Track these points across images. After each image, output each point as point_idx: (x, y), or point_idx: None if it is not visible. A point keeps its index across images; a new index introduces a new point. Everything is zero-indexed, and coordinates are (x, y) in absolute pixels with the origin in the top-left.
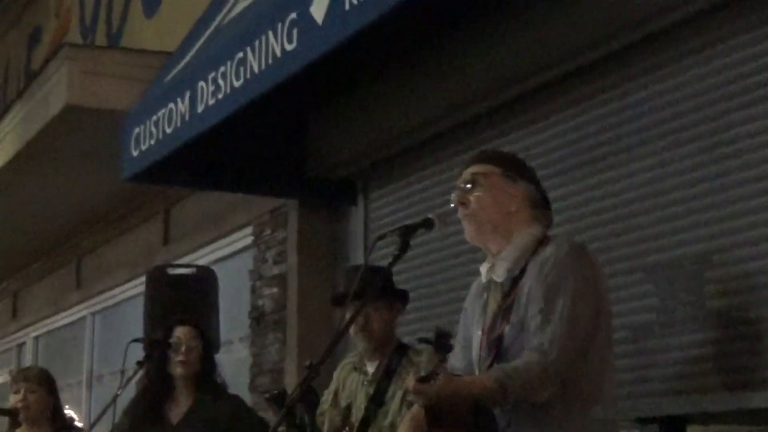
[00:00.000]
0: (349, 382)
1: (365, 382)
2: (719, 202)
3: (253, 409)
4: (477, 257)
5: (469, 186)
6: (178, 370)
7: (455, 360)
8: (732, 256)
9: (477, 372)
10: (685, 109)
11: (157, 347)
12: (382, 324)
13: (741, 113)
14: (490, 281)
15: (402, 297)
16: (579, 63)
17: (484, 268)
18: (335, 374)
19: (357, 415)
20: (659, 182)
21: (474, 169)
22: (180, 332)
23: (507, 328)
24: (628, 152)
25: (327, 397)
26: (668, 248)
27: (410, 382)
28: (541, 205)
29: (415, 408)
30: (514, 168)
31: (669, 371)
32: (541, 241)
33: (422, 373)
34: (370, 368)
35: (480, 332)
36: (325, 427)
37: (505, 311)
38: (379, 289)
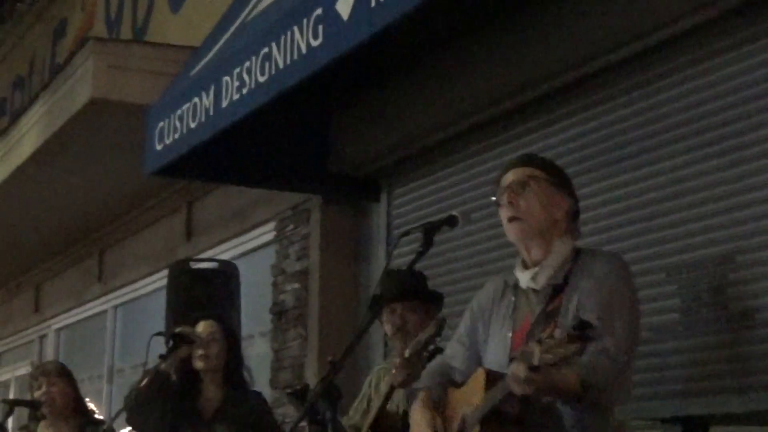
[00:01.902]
0: (384, 386)
1: None
2: (742, 203)
3: (271, 410)
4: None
5: (519, 187)
6: (199, 365)
7: (456, 360)
8: (755, 258)
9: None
10: (709, 110)
11: (178, 341)
12: (417, 325)
13: (764, 115)
14: (517, 285)
15: (437, 300)
16: (603, 64)
17: (525, 275)
18: (366, 381)
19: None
20: (682, 183)
21: (525, 171)
22: (201, 326)
23: (557, 332)
24: (651, 153)
25: (358, 405)
26: (691, 249)
27: (520, 370)
28: (575, 218)
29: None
30: (561, 178)
31: (691, 372)
32: (578, 252)
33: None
34: None
35: (510, 333)
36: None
37: (548, 315)
38: (415, 291)
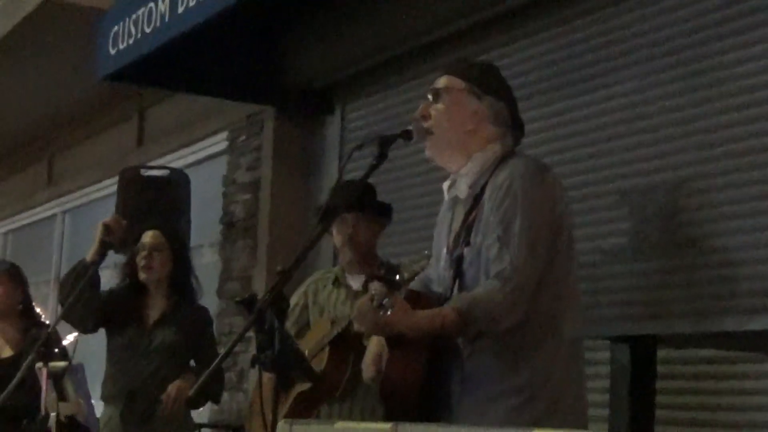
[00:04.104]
0: (325, 296)
1: (351, 297)
2: (696, 129)
3: (212, 328)
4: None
5: (433, 98)
6: (142, 276)
7: (432, 271)
8: (707, 184)
9: (441, 289)
10: (666, 35)
11: (108, 250)
12: (368, 236)
13: (722, 42)
14: (455, 198)
15: (386, 211)
16: None
17: (445, 185)
18: (300, 291)
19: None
20: (638, 107)
21: (441, 81)
22: (146, 237)
23: (466, 250)
24: (607, 76)
25: (289, 312)
26: (643, 174)
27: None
28: (509, 123)
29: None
30: (483, 83)
31: (640, 295)
32: (503, 159)
33: (374, 304)
34: (353, 282)
35: (445, 250)
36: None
37: (466, 231)
38: (366, 202)
